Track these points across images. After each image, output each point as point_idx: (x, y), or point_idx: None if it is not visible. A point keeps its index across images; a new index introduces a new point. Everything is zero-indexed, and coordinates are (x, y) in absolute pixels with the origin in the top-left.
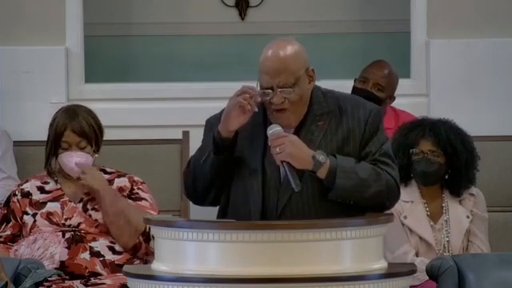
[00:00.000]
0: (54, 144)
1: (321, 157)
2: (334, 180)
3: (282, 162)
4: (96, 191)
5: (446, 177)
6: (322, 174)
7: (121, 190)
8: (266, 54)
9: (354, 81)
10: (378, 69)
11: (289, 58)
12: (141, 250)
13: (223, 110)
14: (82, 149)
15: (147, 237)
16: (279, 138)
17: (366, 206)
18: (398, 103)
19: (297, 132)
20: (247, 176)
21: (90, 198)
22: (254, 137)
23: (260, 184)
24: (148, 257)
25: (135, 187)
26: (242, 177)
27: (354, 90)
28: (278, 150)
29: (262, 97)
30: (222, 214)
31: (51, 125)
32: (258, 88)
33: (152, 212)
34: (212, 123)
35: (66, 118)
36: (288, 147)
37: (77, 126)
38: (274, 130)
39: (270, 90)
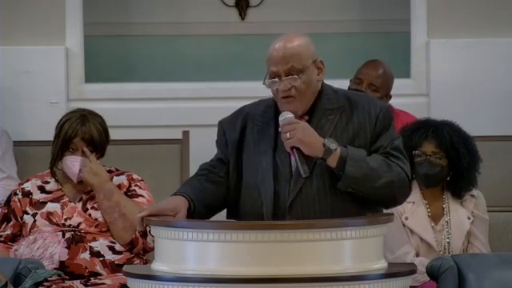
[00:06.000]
0: (62, 147)
1: (331, 144)
2: (344, 168)
3: (292, 148)
4: (91, 185)
5: (448, 178)
6: (332, 161)
7: (119, 187)
8: (273, 46)
9: (350, 82)
10: (371, 69)
11: (296, 46)
12: (138, 245)
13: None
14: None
15: (144, 232)
16: (290, 124)
17: (377, 198)
18: (398, 103)
19: None
20: (258, 172)
21: (89, 197)
22: (265, 132)
23: (271, 178)
24: (146, 253)
25: (133, 184)
26: (252, 173)
27: None
28: (288, 135)
29: (270, 86)
30: (230, 209)
31: (61, 126)
32: (266, 83)
33: None
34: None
35: (77, 124)
36: (299, 133)
37: (87, 134)
38: (285, 116)
39: (277, 79)
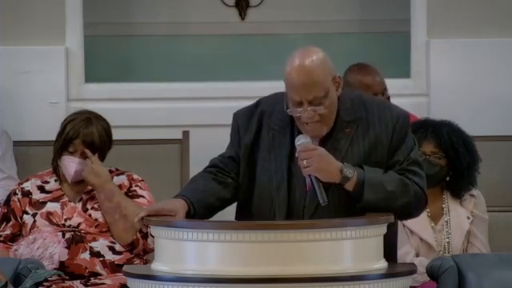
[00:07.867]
0: (61, 146)
1: (348, 171)
2: (362, 193)
3: (309, 175)
4: (93, 185)
5: (448, 178)
6: (349, 186)
7: (119, 187)
8: (291, 66)
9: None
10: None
11: (315, 69)
12: (138, 246)
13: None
14: (86, 157)
15: (145, 233)
16: (307, 151)
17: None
18: (398, 103)
19: (323, 140)
20: (273, 180)
21: (89, 198)
22: (280, 141)
23: (286, 191)
24: (146, 254)
25: (133, 185)
26: (266, 180)
27: None
28: (305, 163)
29: (292, 113)
30: (241, 212)
31: (64, 125)
32: (289, 110)
33: None
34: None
35: (80, 127)
36: (316, 161)
37: (88, 137)
38: (301, 141)
39: (300, 108)
